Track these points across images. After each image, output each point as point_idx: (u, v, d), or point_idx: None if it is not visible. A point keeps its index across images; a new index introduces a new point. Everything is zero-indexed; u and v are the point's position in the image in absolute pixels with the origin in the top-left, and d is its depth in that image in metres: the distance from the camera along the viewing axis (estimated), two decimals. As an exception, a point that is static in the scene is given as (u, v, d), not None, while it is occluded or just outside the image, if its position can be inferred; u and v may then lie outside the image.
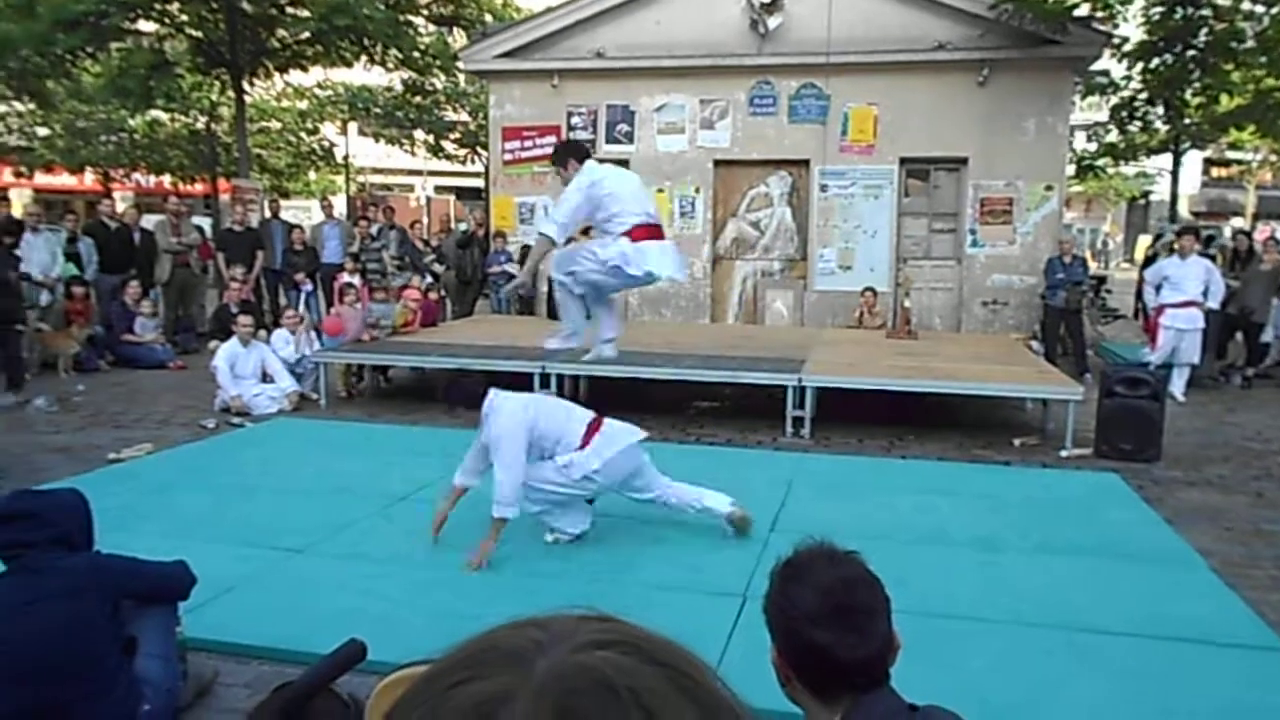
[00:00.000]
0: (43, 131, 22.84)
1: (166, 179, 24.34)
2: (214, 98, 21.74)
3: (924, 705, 1.63)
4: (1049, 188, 11.80)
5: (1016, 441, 7.52)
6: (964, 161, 11.93)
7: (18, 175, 23.15)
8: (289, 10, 16.26)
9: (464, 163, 25.31)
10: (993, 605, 4.16)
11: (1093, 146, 18.99)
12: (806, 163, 12.31)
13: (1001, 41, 11.38)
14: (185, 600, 3.30)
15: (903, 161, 12.10)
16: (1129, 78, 15.94)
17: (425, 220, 20.02)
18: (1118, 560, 4.78)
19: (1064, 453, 7.12)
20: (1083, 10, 11.47)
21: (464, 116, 23.17)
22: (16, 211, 11.81)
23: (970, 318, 12.07)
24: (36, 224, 10.21)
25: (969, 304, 12.08)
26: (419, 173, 31.71)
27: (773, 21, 11.86)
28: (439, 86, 22.08)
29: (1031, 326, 11.59)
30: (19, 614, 2.81)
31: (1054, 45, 11.26)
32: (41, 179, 23.86)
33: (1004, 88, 11.63)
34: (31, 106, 21.17)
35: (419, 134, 24.15)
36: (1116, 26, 13.32)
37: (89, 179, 24.58)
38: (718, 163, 12.56)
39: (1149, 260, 13.80)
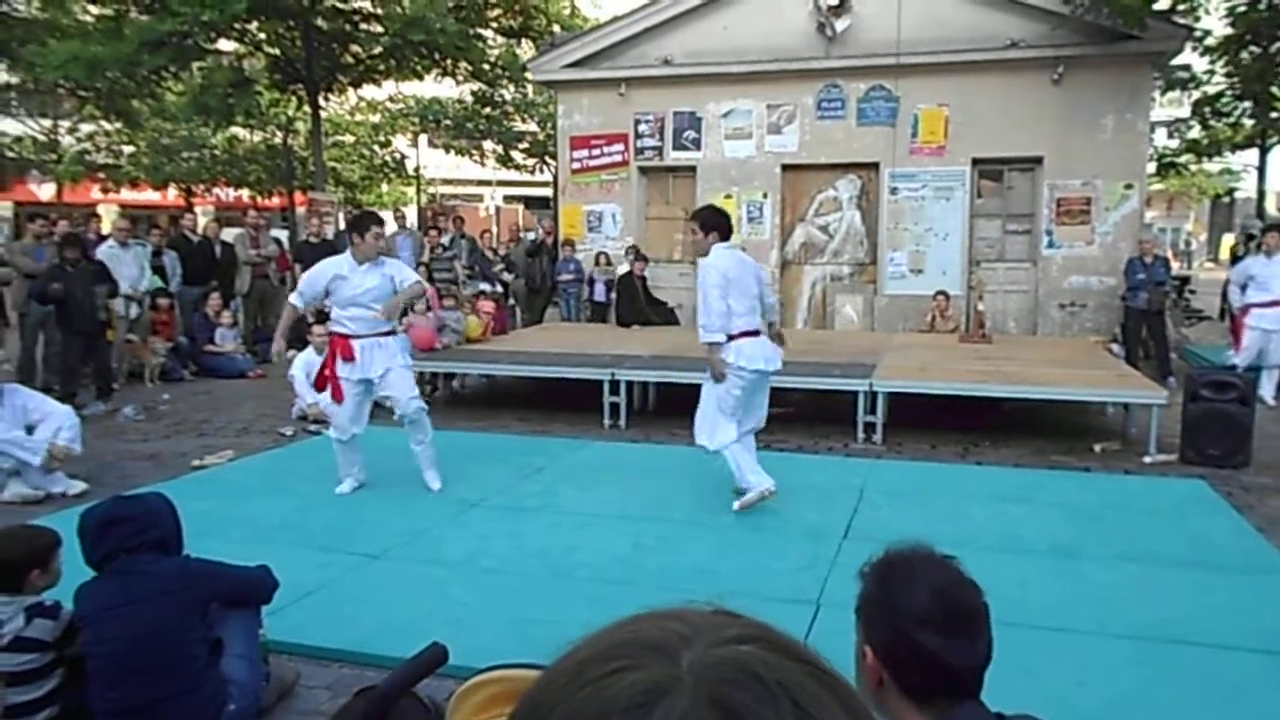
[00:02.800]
0: (128, 149, 23.71)
1: (245, 193, 25.06)
2: (290, 113, 22.35)
3: (1012, 714, 1.56)
4: (1129, 186, 11.48)
5: (1097, 447, 7.33)
6: (1039, 161, 11.68)
7: (105, 191, 24.05)
8: (363, 27, 16.63)
9: (532, 172, 25.61)
10: (1075, 615, 4.06)
11: (1174, 143, 18.47)
12: (876, 165, 12.17)
13: (1076, 38, 11.11)
14: (268, 604, 3.40)
15: (975, 162, 11.89)
16: (1212, 72, 15.47)
17: (495, 229, 20.31)
18: (1206, 570, 4.63)
19: (1147, 459, 6.92)
20: (1162, 4, 11.16)
21: (532, 126, 23.44)
22: (105, 226, 12.23)
23: (1047, 321, 11.79)
24: (126, 239, 10.57)
25: (1045, 306, 11.81)
26: (488, 183, 32.14)
27: (840, 24, 11.76)
28: (508, 97, 22.38)
29: (1111, 329, 11.28)
30: (118, 614, 2.94)
31: (1132, 40, 10.94)
32: (127, 195, 24.77)
33: (1080, 85, 11.35)
34: (118, 125, 22.03)
35: (488, 144, 24.49)
36: (1198, 20, 12.96)
37: (172, 194, 25.42)
38: (785, 167, 12.49)
39: (1236, 258, 13.35)
